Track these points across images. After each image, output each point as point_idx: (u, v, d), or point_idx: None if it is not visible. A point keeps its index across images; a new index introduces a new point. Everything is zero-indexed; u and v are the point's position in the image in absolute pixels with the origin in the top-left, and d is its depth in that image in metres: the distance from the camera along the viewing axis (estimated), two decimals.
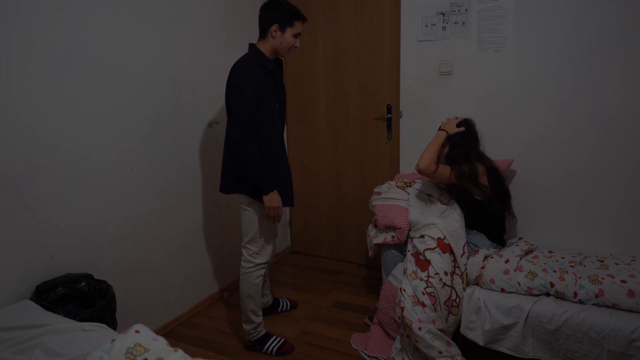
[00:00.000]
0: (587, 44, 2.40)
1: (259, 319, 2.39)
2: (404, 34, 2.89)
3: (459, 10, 2.69)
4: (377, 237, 2.51)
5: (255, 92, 2.06)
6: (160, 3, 2.39)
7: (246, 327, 2.40)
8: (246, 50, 3.06)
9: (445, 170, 2.27)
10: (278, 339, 2.42)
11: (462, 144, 2.33)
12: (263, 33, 2.16)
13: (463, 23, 2.69)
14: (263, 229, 2.29)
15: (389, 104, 3.08)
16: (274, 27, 2.11)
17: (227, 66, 2.87)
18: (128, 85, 2.25)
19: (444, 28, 2.76)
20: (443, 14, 2.74)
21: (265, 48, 2.17)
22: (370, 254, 2.61)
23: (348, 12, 3.14)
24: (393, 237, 2.42)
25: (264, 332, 2.42)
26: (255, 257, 2.32)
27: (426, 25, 2.81)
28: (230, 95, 2.13)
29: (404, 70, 2.94)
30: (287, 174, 2.32)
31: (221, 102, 2.86)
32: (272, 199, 2.15)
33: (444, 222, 2.25)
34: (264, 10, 2.16)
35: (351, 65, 3.19)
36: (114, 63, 2.17)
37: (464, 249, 2.20)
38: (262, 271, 2.36)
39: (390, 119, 3.09)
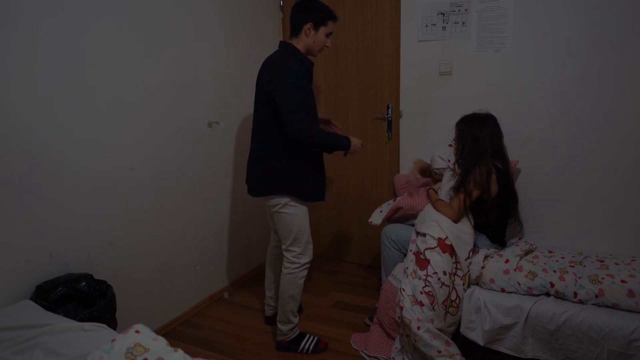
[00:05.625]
0: (587, 44, 2.40)
1: (296, 319, 2.37)
2: (404, 34, 2.90)
3: (459, 10, 2.69)
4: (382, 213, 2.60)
5: (304, 87, 2.08)
6: (160, 4, 2.39)
7: (283, 327, 2.36)
8: (245, 49, 3.07)
9: (459, 201, 2.25)
10: (312, 337, 2.41)
11: (471, 146, 2.29)
12: (296, 31, 2.18)
13: (463, 23, 2.70)
14: (303, 227, 2.25)
15: (389, 104, 3.09)
16: (308, 25, 2.13)
17: (227, 65, 2.89)
18: (128, 86, 2.25)
19: (444, 28, 2.76)
20: (443, 14, 2.74)
21: (299, 46, 2.18)
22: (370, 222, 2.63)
23: (348, 12, 3.14)
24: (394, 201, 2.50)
25: (298, 332, 2.41)
26: (300, 257, 2.28)
27: (426, 25, 2.81)
28: (279, 93, 2.05)
29: (404, 70, 2.94)
30: (323, 172, 2.33)
31: (220, 102, 2.87)
32: (355, 143, 2.25)
33: (452, 224, 2.23)
34: (297, 9, 2.17)
35: (351, 65, 3.19)
36: (114, 64, 2.16)
37: (469, 254, 2.20)
38: (306, 271, 2.32)
39: (390, 119, 3.10)
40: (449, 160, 2.46)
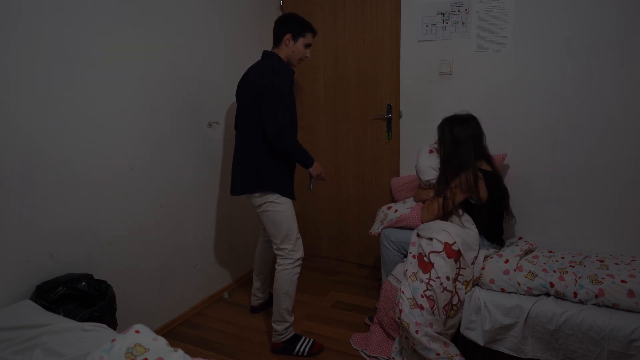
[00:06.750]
0: (586, 44, 2.40)
1: (292, 318, 2.36)
2: (404, 34, 2.90)
3: (459, 10, 2.69)
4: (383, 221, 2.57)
5: (289, 92, 2.19)
6: (160, 4, 2.39)
7: (278, 327, 2.34)
8: (245, 49, 3.08)
9: (438, 205, 2.34)
10: (307, 339, 2.39)
11: (453, 148, 2.32)
12: (277, 42, 2.32)
13: (463, 23, 2.70)
14: (291, 223, 2.30)
15: (389, 104, 3.08)
16: (288, 36, 2.28)
17: (227, 65, 2.89)
18: (128, 86, 2.25)
19: (444, 28, 2.76)
20: (443, 14, 2.74)
21: (280, 55, 2.30)
22: (370, 232, 2.66)
23: (348, 12, 3.14)
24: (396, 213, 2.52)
25: (293, 332, 2.39)
26: (292, 253, 2.31)
27: (426, 25, 2.81)
28: (265, 93, 2.15)
29: (404, 70, 2.94)
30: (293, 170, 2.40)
31: (220, 102, 2.87)
32: (317, 166, 2.37)
33: (462, 230, 2.24)
34: (278, 22, 2.34)
35: (351, 65, 3.19)
36: (114, 64, 2.16)
37: (474, 260, 2.20)
38: (300, 268, 2.35)
39: (390, 119, 3.10)
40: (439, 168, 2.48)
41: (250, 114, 2.24)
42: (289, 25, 2.29)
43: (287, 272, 2.30)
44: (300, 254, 2.34)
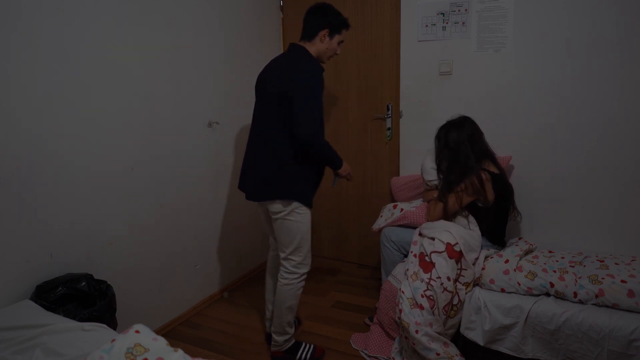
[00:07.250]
0: (586, 44, 2.40)
1: (292, 330, 2.29)
2: (404, 34, 2.90)
3: (459, 10, 2.69)
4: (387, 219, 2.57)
5: (321, 91, 2.04)
6: (160, 4, 2.39)
7: (278, 338, 2.26)
8: (245, 49, 3.05)
9: (440, 210, 2.33)
10: (308, 345, 2.34)
11: (453, 152, 2.32)
12: (310, 36, 2.14)
13: (463, 23, 2.70)
14: (306, 235, 2.17)
15: (389, 104, 3.09)
16: (324, 32, 2.12)
17: (227, 65, 2.89)
18: (128, 86, 2.25)
19: (444, 28, 2.76)
20: (443, 14, 2.75)
21: (311, 51, 2.14)
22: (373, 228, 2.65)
23: (348, 12, 3.13)
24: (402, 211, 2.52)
25: (293, 341, 2.33)
26: (300, 267, 2.19)
27: (426, 25, 2.81)
28: (301, 91, 1.97)
29: (404, 70, 2.94)
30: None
31: (220, 102, 2.87)
32: (346, 166, 2.28)
33: (464, 230, 2.24)
34: (314, 14, 2.15)
35: (351, 65, 3.19)
36: (114, 64, 2.16)
37: (474, 261, 2.20)
38: (304, 282, 2.23)
39: (390, 119, 3.10)
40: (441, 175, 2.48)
41: (274, 115, 2.06)
42: (327, 20, 2.11)
43: (291, 287, 2.19)
44: (307, 268, 2.22)
